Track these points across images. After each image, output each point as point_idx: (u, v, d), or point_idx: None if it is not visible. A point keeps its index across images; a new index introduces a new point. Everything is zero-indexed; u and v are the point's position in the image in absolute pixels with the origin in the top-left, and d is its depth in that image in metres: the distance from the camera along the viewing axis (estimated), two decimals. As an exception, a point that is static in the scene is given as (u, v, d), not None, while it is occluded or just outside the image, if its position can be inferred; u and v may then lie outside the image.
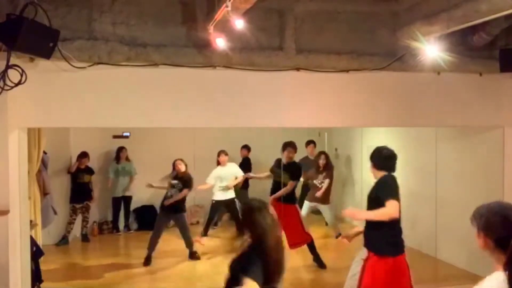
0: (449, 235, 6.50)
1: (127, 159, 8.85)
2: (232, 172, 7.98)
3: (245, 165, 8.72)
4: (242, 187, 8.38)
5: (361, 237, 4.30)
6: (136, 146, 8.89)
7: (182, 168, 7.10)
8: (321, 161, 7.66)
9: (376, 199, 4.04)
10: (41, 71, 4.31)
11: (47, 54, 4.00)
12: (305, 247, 6.53)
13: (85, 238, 8.27)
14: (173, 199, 6.92)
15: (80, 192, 8.16)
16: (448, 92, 5.44)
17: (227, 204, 8.04)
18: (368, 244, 4.13)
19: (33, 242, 5.19)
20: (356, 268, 4.16)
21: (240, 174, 8.03)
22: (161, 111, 4.75)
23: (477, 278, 5.97)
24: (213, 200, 8.00)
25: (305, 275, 6.40)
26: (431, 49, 4.56)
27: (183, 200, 7.09)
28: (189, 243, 7.00)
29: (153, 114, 4.75)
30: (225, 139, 8.51)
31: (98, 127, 6.84)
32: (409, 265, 4.18)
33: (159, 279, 6.22)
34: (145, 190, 8.61)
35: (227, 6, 3.38)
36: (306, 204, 7.44)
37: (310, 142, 8.61)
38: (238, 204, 8.12)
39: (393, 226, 4.06)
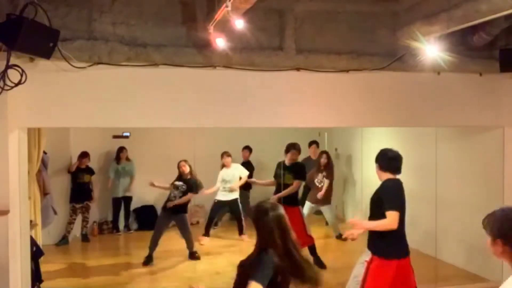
0: (449, 235, 6.50)
1: (127, 159, 8.85)
2: (236, 173, 8.01)
3: (247, 168, 8.70)
4: (244, 188, 8.38)
5: (362, 239, 4.29)
6: (136, 146, 8.89)
7: (186, 169, 7.04)
8: (323, 160, 7.67)
9: (378, 203, 4.02)
10: (41, 71, 4.31)
11: (47, 54, 4.01)
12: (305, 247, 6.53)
13: (85, 238, 8.26)
14: (176, 201, 6.87)
15: (80, 192, 8.16)
16: (448, 92, 5.44)
17: (230, 205, 8.06)
18: (372, 247, 4.11)
19: (33, 242, 5.19)
20: (359, 269, 4.14)
21: (244, 173, 8.06)
22: (161, 111, 4.75)
23: (477, 278, 6.00)
24: (215, 199, 8.03)
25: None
26: (431, 49, 4.56)
27: (186, 202, 7.08)
28: (190, 244, 6.99)
29: (153, 114, 4.75)
30: (225, 139, 8.50)
31: (98, 127, 6.83)
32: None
33: (159, 279, 6.22)
34: (145, 190, 8.61)
35: (227, 6, 3.38)
36: (307, 205, 7.44)
37: (312, 143, 8.60)
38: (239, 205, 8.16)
39: (397, 230, 4.04)
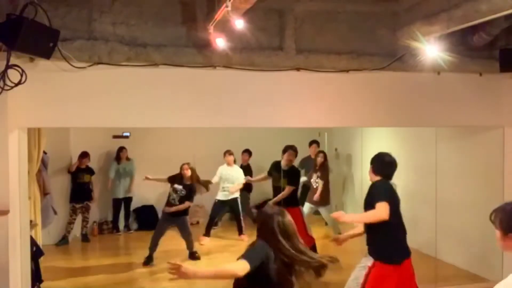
0: (449, 235, 6.50)
1: (127, 158, 8.85)
2: (235, 175, 8.02)
3: (246, 172, 8.70)
4: (244, 190, 8.38)
5: (362, 238, 4.28)
6: (136, 146, 8.89)
7: (188, 173, 6.96)
8: (319, 159, 7.69)
9: (368, 203, 4.02)
10: (41, 71, 4.31)
11: (47, 54, 4.01)
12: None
13: (85, 238, 8.26)
14: (174, 208, 6.82)
15: (80, 192, 8.16)
16: (448, 92, 5.44)
17: (230, 204, 8.06)
18: (372, 253, 4.09)
19: (33, 242, 5.19)
20: (359, 272, 4.11)
21: (241, 180, 8.05)
22: (161, 111, 4.75)
23: (477, 278, 5.99)
24: (216, 199, 8.03)
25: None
26: (431, 49, 4.56)
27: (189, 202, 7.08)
28: (190, 245, 6.99)
29: (153, 114, 4.74)
30: (226, 139, 8.51)
31: (98, 127, 6.84)
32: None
33: (159, 279, 6.21)
34: (145, 190, 8.64)
35: (227, 6, 3.38)
36: (307, 205, 7.45)
37: (313, 142, 8.62)
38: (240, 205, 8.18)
39: (396, 232, 4.02)
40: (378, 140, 7.91)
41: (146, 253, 6.81)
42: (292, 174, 6.56)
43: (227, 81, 4.85)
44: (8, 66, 3.90)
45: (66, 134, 8.28)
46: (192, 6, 4.66)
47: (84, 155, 8.21)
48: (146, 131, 8.50)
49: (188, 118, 4.85)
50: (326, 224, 8.38)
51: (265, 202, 8.80)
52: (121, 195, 8.77)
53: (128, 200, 8.87)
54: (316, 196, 7.35)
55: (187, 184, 6.96)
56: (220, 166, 8.09)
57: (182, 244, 7.02)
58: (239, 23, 3.79)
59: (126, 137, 8.95)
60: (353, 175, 9.24)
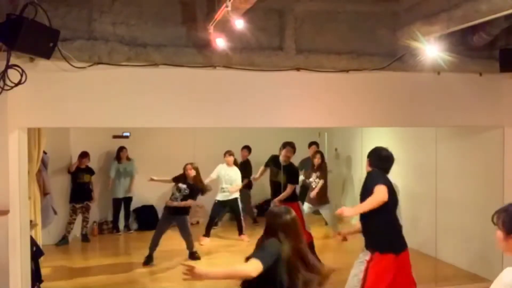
0: (449, 235, 6.50)
1: (127, 158, 8.85)
2: (234, 176, 8.02)
3: (246, 167, 8.71)
4: (244, 187, 8.39)
5: (362, 237, 4.30)
6: (136, 146, 8.89)
7: (192, 173, 6.98)
8: (316, 160, 7.70)
9: (365, 190, 4.05)
10: (41, 71, 4.31)
11: (47, 54, 4.01)
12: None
13: (85, 238, 8.26)
14: (176, 203, 6.84)
15: (80, 192, 8.16)
16: (448, 92, 5.44)
17: (230, 205, 8.07)
18: (370, 245, 4.12)
19: (33, 242, 5.19)
20: (358, 267, 4.15)
21: (238, 182, 8.05)
22: (161, 111, 4.75)
23: (477, 278, 5.99)
24: (215, 200, 8.04)
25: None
26: (431, 49, 4.57)
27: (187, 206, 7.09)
28: (189, 245, 6.99)
29: (153, 114, 4.74)
30: (226, 139, 8.51)
31: (98, 127, 6.83)
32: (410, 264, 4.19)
33: (159, 279, 6.22)
34: (145, 190, 8.63)
35: (227, 6, 3.38)
36: (306, 206, 7.45)
37: (312, 144, 8.62)
38: (240, 204, 8.18)
39: (391, 224, 4.08)
40: (378, 140, 7.87)
41: (146, 253, 6.81)
42: (291, 172, 6.59)
43: (227, 81, 4.85)
44: (8, 66, 3.90)
45: (66, 134, 8.28)
46: (192, 6, 4.66)
47: (84, 155, 8.21)
48: (146, 131, 8.49)
49: (188, 118, 4.85)
50: (326, 224, 8.38)
51: (265, 202, 8.84)
52: (121, 195, 8.77)
53: (128, 200, 8.87)
54: (313, 194, 7.34)
55: (191, 184, 6.97)
56: (219, 165, 8.08)
57: (182, 244, 7.02)
58: (239, 23, 3.79)
59: (126, 137, 8.95)
60: (353, 175, 9.24)
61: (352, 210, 4.20)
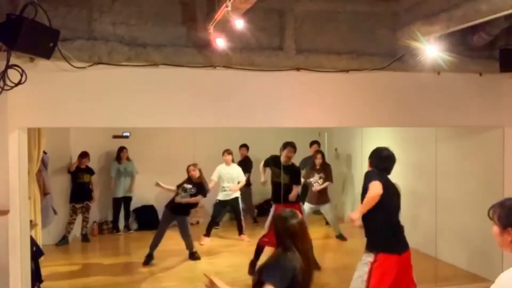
0: (449, 235, 6.50)
1: (127, 159, 8.85)
2: (235, 173, 8.03)
3: (246, 164, 8.73)
4: (244, 185, 8.40)
5: (362, 238, 4.30)
6: (136, 146, 8.89)
7: (196, 174, 6.99)
8: (317, 160, 7.72)
9: (363, 192, 4.08)
10: (41, 71, 4.31)
11: (47, 54, 4.01)
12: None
13: (85, 238, 8.26)
14: (186, 199, 6.85)
15: (80, 192, 8.16)
16: (448, 92, 5.44)
17: (231, 204, 8.07)
18: (371, 245, 4.11)
19: (33, 242, 5.19)
20: (362, 269, 4.14)
21: (242, 178, 8.07)
22: (161, 111, 4.75)
23: (477, 278, 5.99)
24: (216, 200, 8.04)
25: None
26: (431, 49, 4.56)
27: (194, 204, 7.07)
28: (189, 245, 6.99)
29: (153, 114, 4.74)
30: (226, 139, 8.51)
31: (98, 127, 6.84)
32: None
33: (159, 279, 6.22)
34: (145, 190, 8.63)
35: (227, 6, 3.38)
36: (307, 205, 7.45)
37: (314, 143, 8.63)
38: (241, 204, 8.19)
39: (391, 224, 4.08)
40: (378, 140, 7.88)
41: (146, 253, 6.81)
42: (294, 173, 6.56)
43: (227, 81, 4.85)
44: (8, 66, 3.90)
45: (66, 134, 8.28)
46: (192, 6, 4.66)
47: (84, 155, 8.21)
48: (146, 131, 8.49)
49: (188, 118, 4.85)
50: (326, 224, 8.39)
51: (265, 202, 8.84)
52: (121, 194, 8.77)
53: (127, 200, 8.87)
54: (315, 188, 7.39)
55: (195, 182, 6.97)
56: (218, 166, 8.08)
57: (182, 244, 7.02)
58: (239, 23, 3.79)
59: (126, 137, 8.95)
60: (353, 175, 9.24)
61: (357, 213, 4.20)
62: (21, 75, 4.00)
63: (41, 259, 5.81)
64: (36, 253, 5.39)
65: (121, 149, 8.77)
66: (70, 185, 8.20)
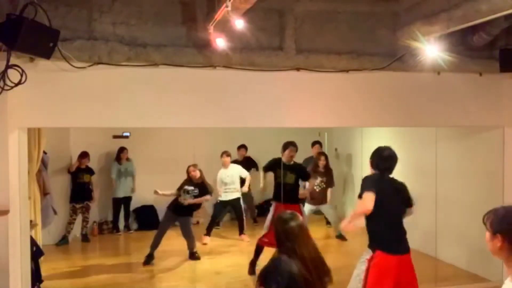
0: (449, 235, 6.50)
1: (127, 159, 8.85)
2: (235, 174, 8.02)
3: (249, 164, 8.70)
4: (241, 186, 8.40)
5: (364, 239, 4.29)
6: (136, 146, 8.88)
7: (197, 174, 6.96)
8: (321, 162, 7.72)
9: (359, 197, 4.10)
10: (41, 71, 4.31)
11: (47, 54, 4.00)
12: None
13: (85, 238, 8.26)
14: (193, 200, 6.83)
15: (80, 192, 8.16)
16: (448, 92, 5.44)
17: (232, 204, 8.08)
18: (372, 245, 4.12)
19: (33, 242, 5.18)
20: (360, 268, 4.15)
21: (245, 173, 8.09)
22: (161, 111, 4.75)
23: (477, 278, 5.98)
24: (217, 200, 8.05)
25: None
26: (431, 49, 4.56)
27: (198, 205, 7.06)
28: (191, 245, 6.99)
29: (153, 114, 4.74)
30: (226, 139, 8.51)
31: (98, 127, 6.83)
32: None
33: (159, 279, 6.22)
34: (145, 190, 8.60)
35: (227, 6, 3.38)
36: (307, 207, 7.45)
37: (316, 143, 8.63)
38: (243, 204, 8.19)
39: (393, 225, 4.07)
40: (378, 140, 7.86)
41: (146, 253, 6.81)
42: (301, 170, 6.60)
43: (227, 81, 4.85)
44: (8, 66, 3.90)
45: (66, 134, 8.28)
46: (192, 6, 4.66)
47: (84, 155, 8.21)
48: (146, 131, 8.49)
49: (188, 118, 4.85)
50: (326, 224, 8.39)
51: (265, 202, 8.83)
52: (121, 194, 8.77)
53: (127, 200, 8.87)
54: (310, 187, 7.36)
55: (197, 183, 6.94)
56: (218, 172, 8.05)
57: (182, 244, 7.02)
58: (239, 23, 3.79)
59: (126, 137, 8.95)
60: (353, 175, 9.24)
61: (350, 220, 4.24)
62: (21, 75, 3.99)
63: (41, 259, 5.81)
64: (36, 253, 5.39)
65: (121, 149, 8.76)
66: (70, 185, 8.20)
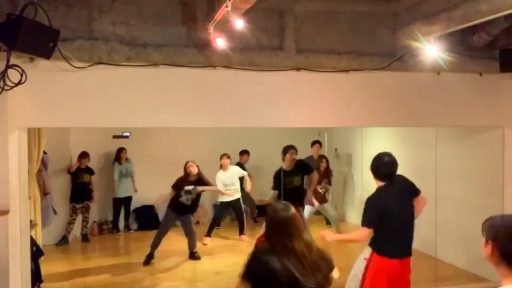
0: (449, 235, 6.50)
1: (126, 159, 8.85)
2: (235, 175, 8.03)
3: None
4: (244, 187, 8.41)
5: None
6: (136, 146, 8.89)
7: (194, 170, 6.93)
8: (322, 165, 7.75)
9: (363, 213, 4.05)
10: (41, 71, 4.31)
11: (47, 54, 4.00)
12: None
13: (85, 238, 8.27)
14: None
15: (80, 192, 8.17)
16: (448, 92, 5.44)
17: (233, 205, 8.08)
18: (373, 245, 4.11)
19: (33, 242, 5.19)
20: (358, 267, 4.14)
21: (243, 173, 8.13)
22: (161, 111, 4.75)
23: (477, 278, 5.98)
24: (218, 201, 8.05)
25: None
26: (431, 49, 4.56)
27: (197, 205, 7.07)
28: (192, 244, 6.99)
29: (153, 114, 4.74)
30: (226, 139, 8.52)
31: (98, 127, 6.84)
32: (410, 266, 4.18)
33: (159, 279, 6.22)
34: (145, 190, 8.64)
35: (227, 6, 3.38)
36: (307, 208, 7.44)
37: (315, 142, 8.64)
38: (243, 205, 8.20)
39: (398, 233, 4.03)
40: (378, 140, 7.90)
41: (146, 252, 6.81)
42: (303, 166, 6.61)
43: (227, 81, 4.84)
44: (8, 66, 3.90)
45: (66, 134, 8.29)
46: (192, 6, 4.66)
47: (84, 155, 8.21)
48: (146, 131, 8.50)
49: (188, 118, 4.85)
50: (327, 224, 8.39)
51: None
52: (122, 195, 8.77)
53: (128, 200, 8.88)
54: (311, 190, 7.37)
55: (195, 180, 6.92)
56: (217, 174, 8.02)
57: (182, 244, 7.03)
58: (239, 23, 3.79)
59: (126, 137, 8.96)
60: (353, 175, 9.24)
61: (333, 237, 4.26)
62: (21, 75, 3.99)
63: (41, 259, 5.80)
64: (36, 253, 5.39)
65: (120, 149, 8.77)
66: (70, 185, 8.20)
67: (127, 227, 8.91)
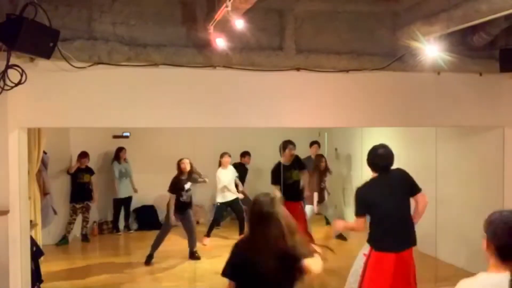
0: (449, 235, 6.49)
1: (125, 159, 8.85)
2: (234, 175, 8.04)
3: (243, 171, 8.73)
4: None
5: (363, 237, 4.30)
6: (136, 146, 8.88)
7: (187, 167, 6.99)
8: (322, 164, 7.76)
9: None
10: (41, 71, 4.31)
11: (47, 54, 4.01)
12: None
13: (85, 238, 8.26)
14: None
15: (80, 192, 8.16)
16: (448, 92, 5.44)
17: (232, 205, 8.08)
18: (370, 241, 4.13)
19: (33, 242, 5.19)
20: (358, 263, 4.17)
21: (236, 175, 8.15)
22: (161, 111, 4.75)
23: (477, 278, 5.76)
24: (217, 202, 8.05)
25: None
26: (431, 49, 4.56)
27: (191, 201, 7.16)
28: (192, 242, 6.99)
29: (153, 114, 4.74)
30: (226, 139, 8.51)
31: (98, 127, 6.84)
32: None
33: (159, 279, 6.22)
34: (145, 190, 8.64)
35: (227, 6, 3.38)
36: (308, 208, 7.45)
37: (314, 143, 8.63)
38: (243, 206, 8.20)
39: (393, 224, 4.06)
40: (378, 140, 7.83)
41: (146, 252, 6.82)
42: (299, 161, 6.70)
43: (227, 81, 4.85)
44: (8, 66, 3.90)
45: (66, 134, 8.28)
46: (192, 6, 4.66)
47: (84, 155, 8.21)
48: (146, 131, 8.49)
49: (188, 118, 4.85)
50: (327, 223, 8.38)
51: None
52: (122, 195, 8.76)
53: (128, 200, 8.87)
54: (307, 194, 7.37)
55: (188, 178, 7.01)
56: (217, 171, 8.04)
57: (182, 244, 7.03)
58: (239, 23, 3.79)
59: (126, 137, 8.95)
60: (353, 175, 9.24)
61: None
62: (21, 75, 4.00)
63: (41, 259, 5.80)
64: (36, 253, 5.39)
65: (120, 149, 8.76)
66: (70, 185, 8.19)
67: (127, 227, 8.90)
